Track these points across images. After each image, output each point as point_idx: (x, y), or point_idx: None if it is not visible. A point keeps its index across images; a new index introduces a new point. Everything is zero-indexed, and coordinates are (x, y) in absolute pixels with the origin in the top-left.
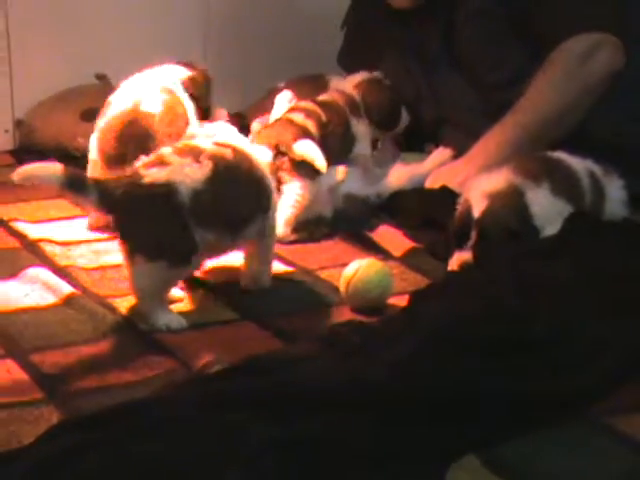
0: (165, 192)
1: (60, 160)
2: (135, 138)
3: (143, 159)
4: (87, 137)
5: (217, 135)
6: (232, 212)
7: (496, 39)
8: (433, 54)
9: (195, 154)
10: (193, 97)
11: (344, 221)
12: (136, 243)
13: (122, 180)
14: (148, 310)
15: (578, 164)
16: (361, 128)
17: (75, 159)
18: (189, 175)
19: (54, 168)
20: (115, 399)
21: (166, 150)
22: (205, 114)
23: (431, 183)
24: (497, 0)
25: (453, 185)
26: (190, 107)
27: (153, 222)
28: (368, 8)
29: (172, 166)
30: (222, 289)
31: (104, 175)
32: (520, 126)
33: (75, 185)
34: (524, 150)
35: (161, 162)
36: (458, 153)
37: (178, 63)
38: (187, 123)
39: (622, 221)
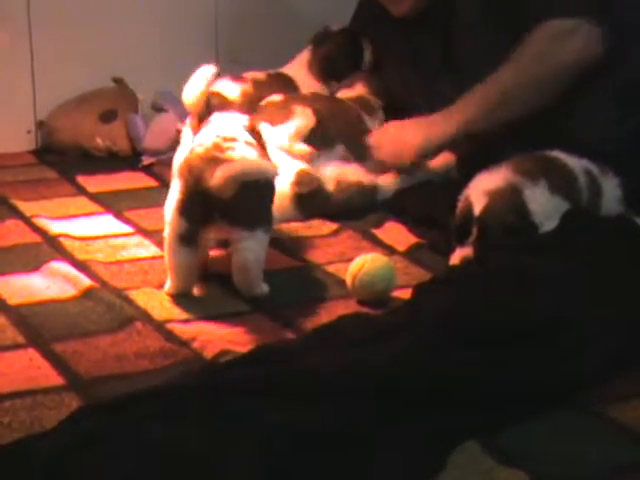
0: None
1: (79, 159)
2: None
3: None
4: (105, 138)
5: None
6: None
7: (494, 50)
8: (432, 65)
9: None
10: None
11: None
12: (255, 219)
13: None
14: (256, 279)
15: (575, 163)
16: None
17: (93, 158)
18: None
19: None
20: (132, 386)
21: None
22: None
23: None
24: (482, 16)
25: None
26: None
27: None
28: (369, 18)
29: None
30: (232, 282)
31: None
32: (486, 94)
33: None
34: (489, 118)
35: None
36: (460, 159)
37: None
38: None
39: (617, 217)
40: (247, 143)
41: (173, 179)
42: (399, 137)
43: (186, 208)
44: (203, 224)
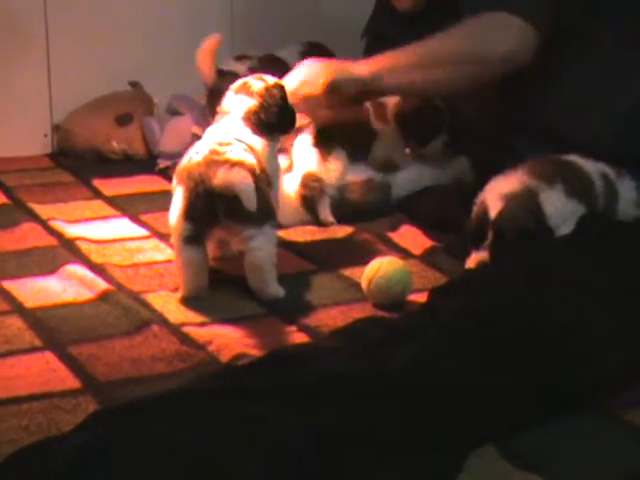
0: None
1: (95, 163)
2: None
3: None
4: (121, 141)
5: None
6: None
7: None
8: None
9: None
10: None
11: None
12: (261, 214)
13: None
14: (270, 277)
15: (591, 166)
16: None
17: (109, 162)
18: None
19: None
20: (149, 389)
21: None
22: None
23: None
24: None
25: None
26: None
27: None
28: (385, 19)
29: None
30: (247, 285)
31: None
32: (409, 52)
33: None
34: (409, 72)
35: None
36: (473, 161)
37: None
38: None
39: (634, 221)
40: (244, 149)
41: (175, 188)
42: (311, 70)
43: (190, 212)
44: (209, 226)
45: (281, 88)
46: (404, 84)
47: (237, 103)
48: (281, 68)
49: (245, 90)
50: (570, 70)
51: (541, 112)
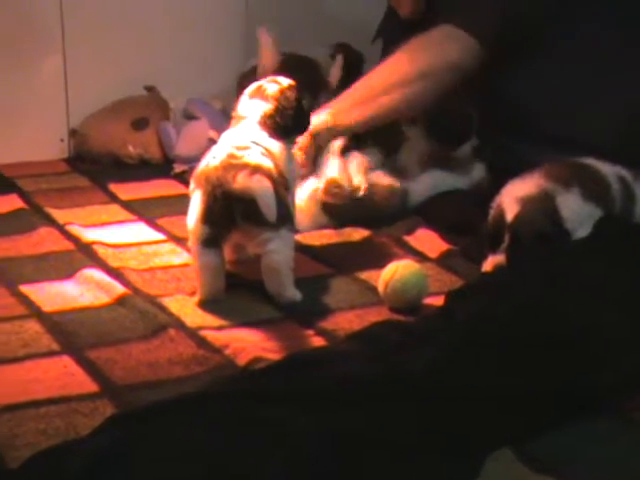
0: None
1: (111, 167)
2: None
3: None
4: (137, 145)
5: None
6: None
7: None
8: None
9: None
10: None
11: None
12: (282, 218)
13: None
14: (287, 281)
15: (608, 169)
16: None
17: (126, 166)
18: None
19: None
20: (166, 393)
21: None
22: None
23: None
24: None
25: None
26: None
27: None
28: (393, 24)
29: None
30: (264, 288)
31: None
32: (360, 87)
33: None
34: (363, 107)
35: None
36: (488, 165)
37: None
38: None
39: None
40: (261, 153)
41: (192, 192)
42: None
43: (208, 215)
44: (226, 229)
45: (295, 89)
46: (364, 121)
47: (252, 107)
48: (309, 66)
49: (260, 94)
50: (566, 71)
51: (540, 115)
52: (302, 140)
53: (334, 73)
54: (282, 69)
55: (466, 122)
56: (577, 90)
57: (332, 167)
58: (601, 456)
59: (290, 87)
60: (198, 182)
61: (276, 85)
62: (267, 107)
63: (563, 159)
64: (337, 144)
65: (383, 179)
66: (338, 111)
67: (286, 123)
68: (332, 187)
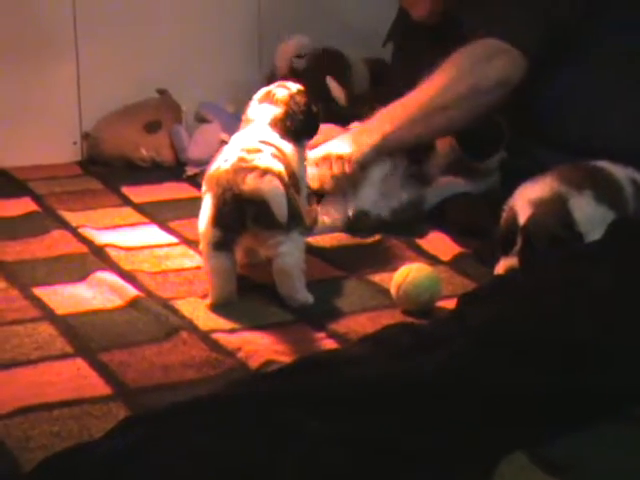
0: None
1: (124, 170)
2: None
3: None
4: (149, 148)
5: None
6: None
7: None
8: None
9: None
10: None
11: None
12: (293, 221)
13: None
14: (299, 283)
15: (621, 172)
16: None
17: (138, 169)
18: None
19: None
20: (178, 396)
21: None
22: None
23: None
24: None
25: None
26: None
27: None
28: (405, 28)
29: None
30: (276, 291)
31: None
32: (408, 105)
33: None
34: (413, 127)
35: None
36: (504, 169)
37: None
38: None
39: None
40: (272, 155)
41: (204, 195)
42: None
43: (219, 218)
44: (237, 232)
45: (304, 94)
46: (409, 141)
47: (262, 111)
48: (338, 61)
49: (269, 99)
50: (589, 76)
51: (555, 119)
52: (318, 155)
53: (336, 93)
54: (312, 63)
55: (497, 135)
56: (601, 95)
57: (366, 196)
58: (616, 460)
59: (299, 92)
60: (209, 185)
61: (285, 90)
62: (277, 111)
63: (576, 162)
64: (376, 172)
65: (399, 193)
66: (387, 131)
67: (296, 127)
68: (361, 214)
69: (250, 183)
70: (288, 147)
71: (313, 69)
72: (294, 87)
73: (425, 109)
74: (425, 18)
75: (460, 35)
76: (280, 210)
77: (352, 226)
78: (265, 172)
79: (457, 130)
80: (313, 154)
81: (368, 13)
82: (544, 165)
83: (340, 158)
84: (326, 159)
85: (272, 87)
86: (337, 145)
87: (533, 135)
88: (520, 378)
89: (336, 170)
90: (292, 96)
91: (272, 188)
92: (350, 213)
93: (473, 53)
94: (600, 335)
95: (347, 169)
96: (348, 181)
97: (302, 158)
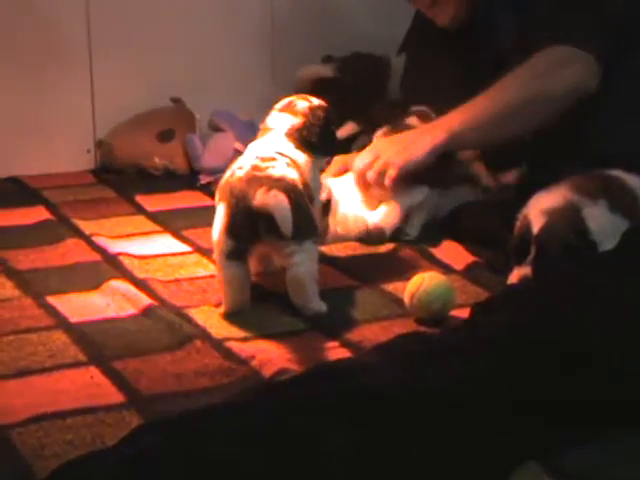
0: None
1: (137, 178)
2: None
3: None
4: (163, 157)
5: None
6: None
7: None
8: (486, 85)
9: None
10: None
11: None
12: (302, 231)
13: None
14: (312, 293)
15: (634, 181)
16: None
17: (152, 177)
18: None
19: None
20: (192, 404)
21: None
22: None
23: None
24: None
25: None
26: None
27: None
28: (419, 42)
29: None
30: (289, 300)
31: None
32: (479, 107)
33: None
34: (482, 132)
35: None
36: (517, 178)
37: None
38: None
39: None
40: (287, 164)
41: (217, 204)
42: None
43: (232, 228)
44: (250, 242)
45: (325, 109)
46: (475, 143)
47: (281, 121)
48: (370, 63)
49: (290, 109)
50: (612, 87)
51: (583, 130)
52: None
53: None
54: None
55: (519, 148)
56: (626, 106)
57: (387, 215)
58: (630, 470)
59: (321, 106)
60: (222, 194)
61: (307, 102)
62: (295, 121)
63: (590, 171)
64: (407, 199)
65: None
66: (455, 131)
67: (312, 139)
68: (374, 233)
69: (259, 198)
70: (302, 158)
71: (346, 74)
72: (316, 101)
73: (495, 112)
74: (448, 24)
75: (482, 44)
76: (285, 224)
77: (366, 241)
78: (274, 184)
79: (522, 136)
80: (361, 155)
81: (381, 25)
82: (560, 175)
83: (386, 165)
84: (373, 163)
85: (294, 98)
86: (387, 148)
87: (568, 151)
88: (533, 388)
89: (378, 178)
90: (312, 109)
91: (277, 202)
92: (366, 227)
93: (546, 61)
94: (614, 345)
95: (389, 178)
96: (389, 188)
97: (317, 170)
